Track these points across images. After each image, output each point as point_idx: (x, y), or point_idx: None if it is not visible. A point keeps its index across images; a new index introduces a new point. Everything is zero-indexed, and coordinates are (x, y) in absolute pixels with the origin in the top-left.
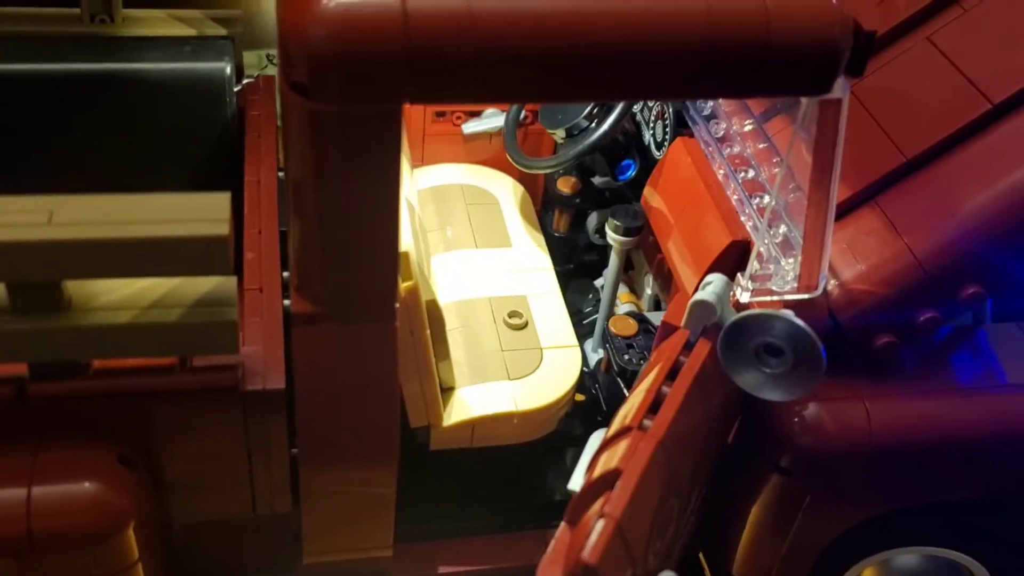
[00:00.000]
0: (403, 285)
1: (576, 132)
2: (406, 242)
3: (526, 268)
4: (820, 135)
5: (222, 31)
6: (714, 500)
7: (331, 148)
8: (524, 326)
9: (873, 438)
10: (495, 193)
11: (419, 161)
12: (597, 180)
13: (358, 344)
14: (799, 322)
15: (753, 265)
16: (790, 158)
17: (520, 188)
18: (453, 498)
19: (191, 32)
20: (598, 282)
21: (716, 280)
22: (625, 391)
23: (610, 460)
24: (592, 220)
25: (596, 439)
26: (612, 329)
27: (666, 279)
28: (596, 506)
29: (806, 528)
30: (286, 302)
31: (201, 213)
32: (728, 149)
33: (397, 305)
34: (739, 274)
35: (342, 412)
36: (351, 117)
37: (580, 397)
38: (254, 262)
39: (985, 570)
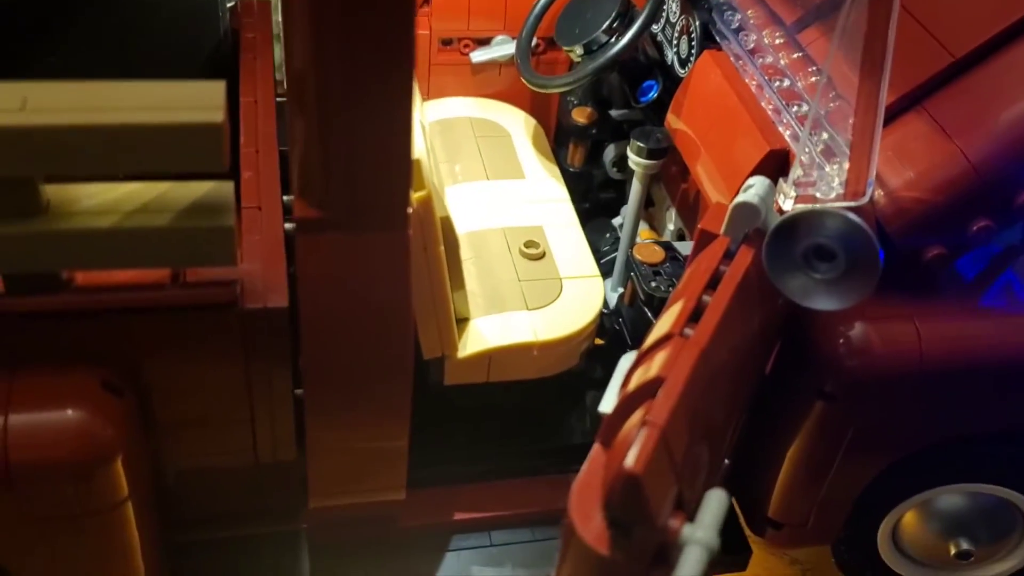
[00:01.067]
0: (415, 195)
1: (595, 48)
2: (418, 150)
3: (541, 199)
4: (871, 27)
5: None
6: (749, 439)
7: (336, 25)
8: (541, 256)
9: (924, 360)
10: (506, 126)
11: (425, 94)
12: (615, 112)
13: (368, 256)
14: (853, 218)
15: (796, 171)
16: (830, 66)
17: (532, 121)
18: (468, 442)
19: None
20: (616, 221)
21: (759, 182)
22: (653, 319)
23: (648, 371)
24: (610, 152)
25: (627, 360)
26: (637, 256)
27: (692, 210)
28: (636, 417)
29: (850, 462)
30: (288, 225)
31: (192, 100)
32: (760, 60)
33: (413, 200)
34: (781, 180)
35: (351, 334)
36: None
37: (599, 341)
38: (251, 180)
39: None
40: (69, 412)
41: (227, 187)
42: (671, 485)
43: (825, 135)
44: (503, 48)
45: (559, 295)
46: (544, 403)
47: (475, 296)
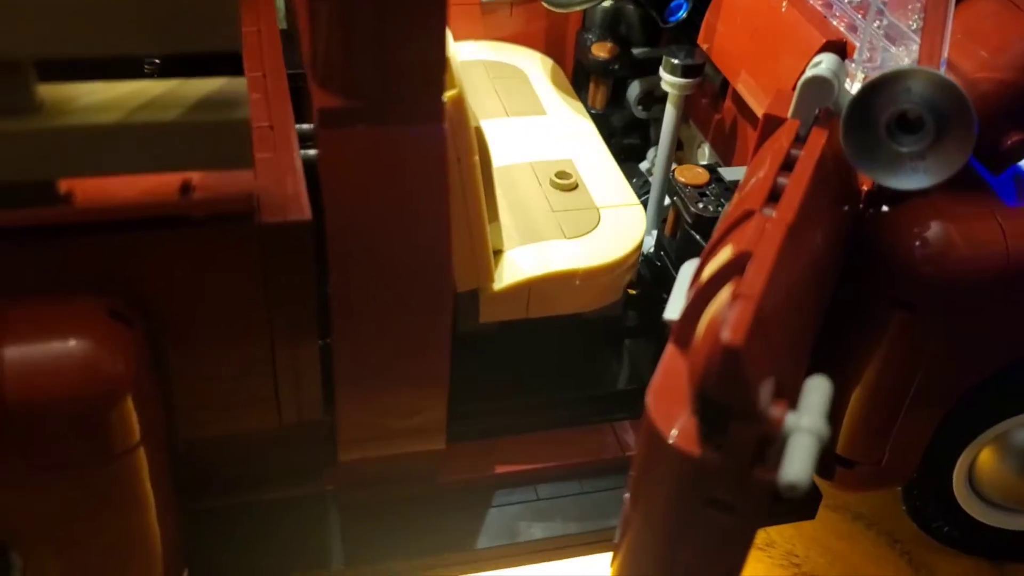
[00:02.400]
0: (448, 94)
1: None
2: (450, 47)
3: (566, 133)
4: None
5: None
6: (814, 361)
7: None
8: (574, 187)
9: (1011, 259)
10: (522, 67)
11: None
12: (636, 50)
13: (401, 152)
14: (943, 76)
15: (863, 52)
16: None
17: (549, 61)
18: (508, 392)
19: None
20: (643, 165)
21: (827, 58)
22: (703, 243)
23: (728, 253)
24: (634, 89)
25: (690, 266)
26: (680, 179)
27: (728, 140)
28: (723, 295)
29: (931, 382)
30: (307, 151)
31: None
32: None
33: (445, 99)
34: (846, 61)
35: (384, 246)
36: None
37: (632, 292)
38: (260, 102)
39: None
40: (72, 343)
41: (240, 83)
42: (769, 366)
43: (885, 21)
44: None
45: (598, 224)
46: (582, 351)
47: (508, 229)
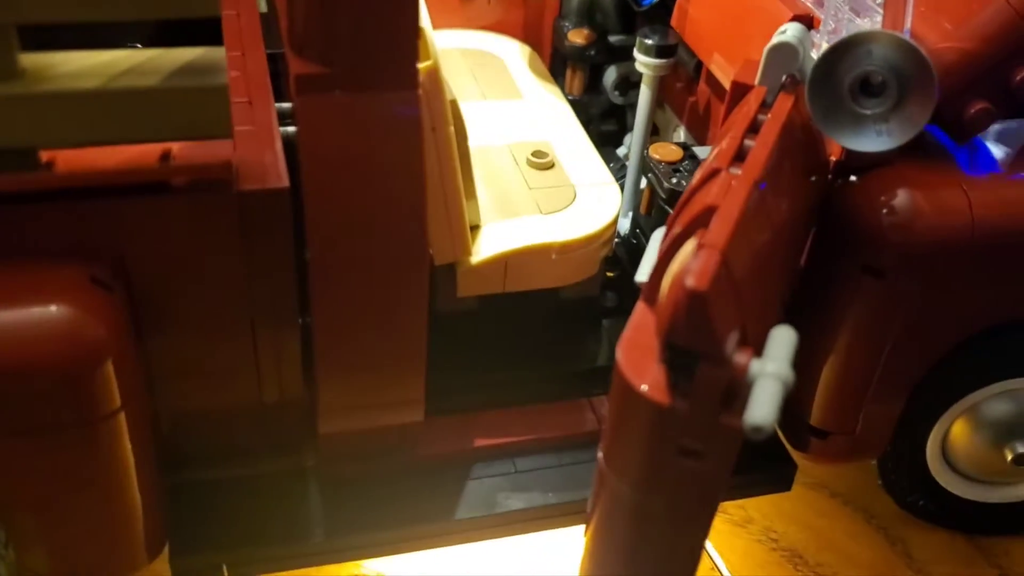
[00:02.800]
0: (422, 66)
1: None
2: (423, 19)
3: (543, 116)
4: None
5: None
6: None
7: None
8: (551, 166)
9: (976, 227)
10: (500, 55)
11: None
12: (612, 37)
13: (377, 118)
14: (905, 39)
15: (827, 23)
16: None
17: (527, 48)
18: (487, 367)
19: None
20: (620, 151)
21: (792, 26)
22: None
23: (695, 207)
24: (610, 74)
25: (660, 233)
26: (654, 156)
27: (703, 121)
28: (688, 248)
29: (902, 349)
30: (285, 128)
31: None
32: None
33: (420, 69)
34: (812, 32)
35: (361, 212)
36: None
37: (610, 274)
38: (239, 79)
39: None
40: (54, 308)
41: (219, 51)
42: (734, 314)
43: None
44: None
45: (573, 200)
46: (562, 330)
47: (485, 205)
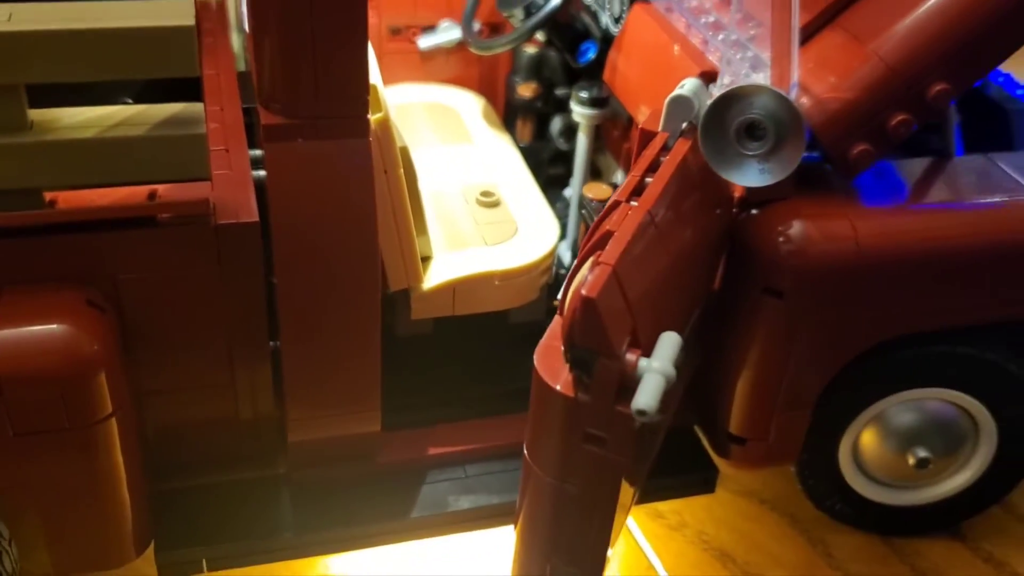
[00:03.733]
0: (373, 117)
1: (534, 9)
2: (375, 78)
3: (493, 161)
4: None
5: None
6: (706, 354)
7: None
8: (497, 204)
9: (861, 251)
10: (456, 106)
11: None
12: (558, 90)
13: (333, 162)
14: (781, 93)
15: (724, 77)
16: None
17: (482, 99)
18: (441, 388)
19: None
20: (566, 192)
21: (691, 81)
22: None
23: (598, 234)
24: (556, 123)
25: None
26: (587, 194)
27: None
28: (587, 267)
29: (803, 361)
30: (256, 172)
31: (166, 13)
32: (688, 3)
33: (371, 120)
34: (711, 85)
35: (321, 242)
36: None
37: (556, 302)
38: (218, 130)
39: (987, 411)
40: (55, 327)
41: (197, 107)
42: (626, 320)
43: (750, 53)
44: (449, 33)
45: (515, 234)
46: (511, 352)
47: (436, 238)
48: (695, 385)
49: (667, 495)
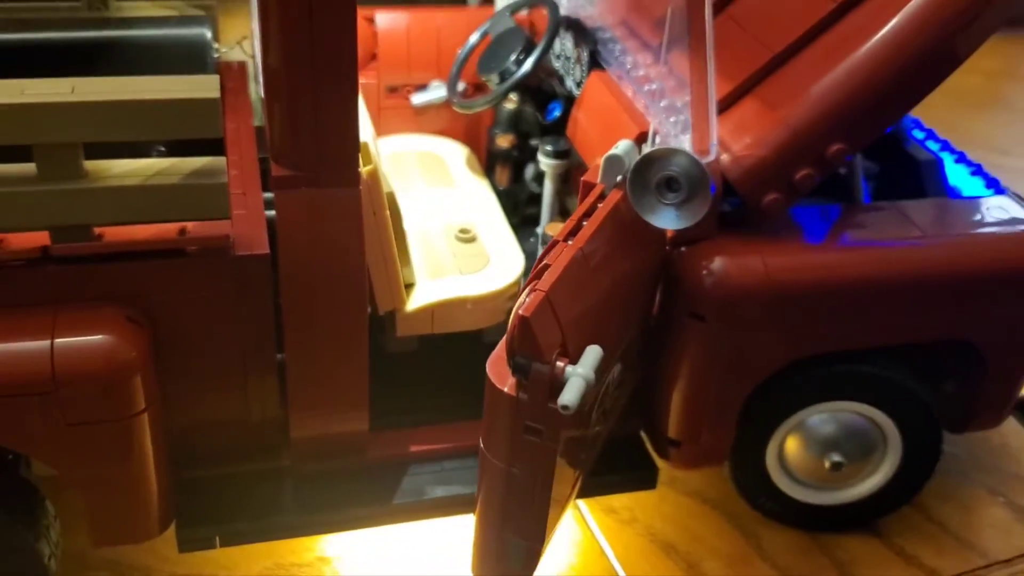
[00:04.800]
0: (364, 168)
1: (507, 76)
2: (366, 138)
3: (472, 203)
4: (692, 14)
5: (201, 12)
6: (648, 371)
7: (300, 21)
8: (473, 240)
9: (769, 283)
10: (443, 154)
11: (376, 134)
12: (532, 141)
13: (330, 206)
14: (695, 156)
15: (655, 137)
16: (674, 58)
17: (466, 148)
18: (423, 395)
19: (175, 12)
20: (539, 229)
21: (624, 143)
22: None
23: (538, 267)
24: (529, 170)
25: None
26: (548, 232)
27: None
28: (526, 293)
29: (725, 375)
30: (268, 212)
31: (197, 86)
32: (634, 74)
33: (362, 172)
34: (643, 144)
35: (319, 271)
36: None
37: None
38: (237, 177)
39: (892, 422)
40: (101, 337)
41: (221, 160)
42: (556, 334)
43: (682, 117)
44: (438, 91)
45: (487, 265)
46: (481, 365)
47: (419, 268)
48: (639, 395)
49: (616, 489)
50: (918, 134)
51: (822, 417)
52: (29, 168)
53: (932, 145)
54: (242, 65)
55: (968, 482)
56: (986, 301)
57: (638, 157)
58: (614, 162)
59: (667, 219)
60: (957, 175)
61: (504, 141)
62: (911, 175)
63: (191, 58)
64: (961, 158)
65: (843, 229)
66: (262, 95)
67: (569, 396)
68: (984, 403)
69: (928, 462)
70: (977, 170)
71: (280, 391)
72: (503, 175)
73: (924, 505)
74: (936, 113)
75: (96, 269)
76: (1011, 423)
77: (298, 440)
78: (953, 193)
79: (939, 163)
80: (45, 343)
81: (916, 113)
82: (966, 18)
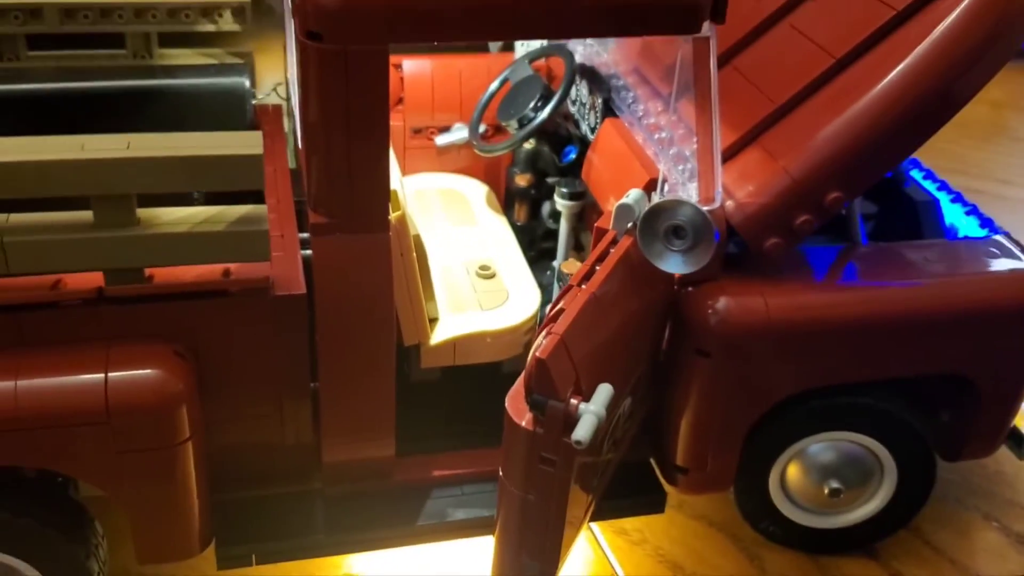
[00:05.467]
0: (393, 214)
1: (525, 121)
2: (395, 185)
3: (491, 239)
4: (697, 70)
5: (239, 60)
6: (658, 402)
7: (335, 83)
8: (492, 276)
9: (771, 322)
10: (465, 192)
11: (402, 171)
12: (549, 179)
13: (362, 250)
14: (700, 207)
15: (664, 185)
16: (681, 113)
17: (485, 187)
18: (444, 422)
19: (215, 61)
20: (555, 263)
21: (635, 192)
22: None
23: (553, 311)
24: (546, 207)
25: None
26: (564, 270)
27: None
28: (543, 335)
29: (729, 407)
30: (305, 252)
31: (242, 142)
32: (646, 122)
33: (391, 218)
34: (653, 193)
35: (351, 309)
36: (350, 55)
37: None
38: (275, 220)
39: (888, 452)
40: (150, 371)
41: (262, 208)
42: (570, 374)
43: (691, 165)
44: (461, 133)
45: (506, 300)
46: (503, 393)
47: (442, 303)
48: (649, 425)
49: (627, 513)
50: (916, 174)
51: (822, 446)
52: (86, 216)
53: (929, 185)
54: (277, 108)
55: (964, 507)
56: (979, 338)
57: (647, 206)
58: (625, 210)
59: (674, 264)
60: (953, 214)
61: (522, 180)
62: (909, 216)
63: (231, 106)
64: (957, 198)
65: (841, 270)
66: (299, 143)
67: (582, 432)
68: (978, 433)
69: (923, 489)
70: (972, 210)
71: (313, 419)
72: (521, 212)
73: (921, 529)
74: (942, 144)
75: (147, 308)
76: (1004, 451)
77: (329, 464)
78: (949, 233)
79: (936, 204)
80: (99, 377)
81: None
82: (960, 71)
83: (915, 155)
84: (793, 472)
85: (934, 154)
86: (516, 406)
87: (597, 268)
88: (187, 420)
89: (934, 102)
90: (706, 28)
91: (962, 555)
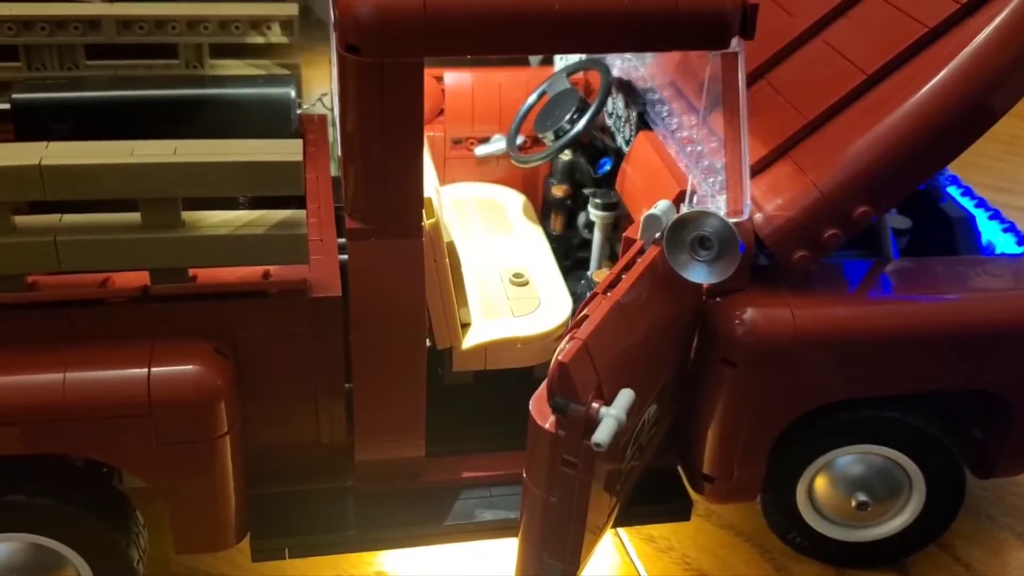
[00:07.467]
0: (427, 221)
1: (561, 133)
2: (430, 192)
3: (526, 248)
4: (726, 85)
5: (287, 71)
6: (686, 410)
7: (372, 94)
8: (525, 283)
9: (797, 333)
10: (502, 201)
11: (442, 181)
12: (586, 190)
13: (396, 256)
14: (726, 218)
15: (693, 200)
16: (713, 122)
17: (523, 197)
18: (474, 425)
19: (262, 72)
20: (589, 272)
21: (662, 203)
22: None
23: (578, 317)
24: (582, 218)
25: None
26: (595, 279)
27: None
28: (566, 340)
29: (756, 416)
30: (342, 256)
31: (283, 149)
32: (679, 135)
33: (424, 225)
34: (682, 204)
35: (385, 313)
36: (387, 68)
37: None
38: (315, 224)
39: (916, 466)
40: (191, 367)
41: (302, 213)
42: (592, 378)
43: (720, 178)
44: (499, 144)
45: (537, 307)
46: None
47: (475, 308)
48: (676, 433)
49: (653, 519)
50: (954, 190)
51: (850, 458)
52: (134, 218)
53: (967, 202)
54: (322, 117)
55: (997, 526)
56: (1010, 355)
57: (675, 217)
58: (652, 221)
59: (699, 274)
60: (990, 231)
61: (559, 191)
62: (944, 232)
63: (277, 115)
64: (995, 215)
65: (869, 284)
66: (339, 152)
67: (602, 435)
68: (1011, 451)
69: (952, 505)
70: (1010, 227)
71: (347, 418)
72: (557, 222)
73: (951, 546)
74: (987, 161)
75: (189, 307)
76: None
77: (362, 463)
78: (986, 250)
79: (972, 220)
80: (143, 371)
81: (962, 159)
82: (989, 87)
83: (957, 172)
84: (821, 484)
85: (977, 171)
86: (540, 409)
87: (623, 276)
88: (225, 415)
89: (960, 119)
90: (735, 43)
91: (992, 573)
